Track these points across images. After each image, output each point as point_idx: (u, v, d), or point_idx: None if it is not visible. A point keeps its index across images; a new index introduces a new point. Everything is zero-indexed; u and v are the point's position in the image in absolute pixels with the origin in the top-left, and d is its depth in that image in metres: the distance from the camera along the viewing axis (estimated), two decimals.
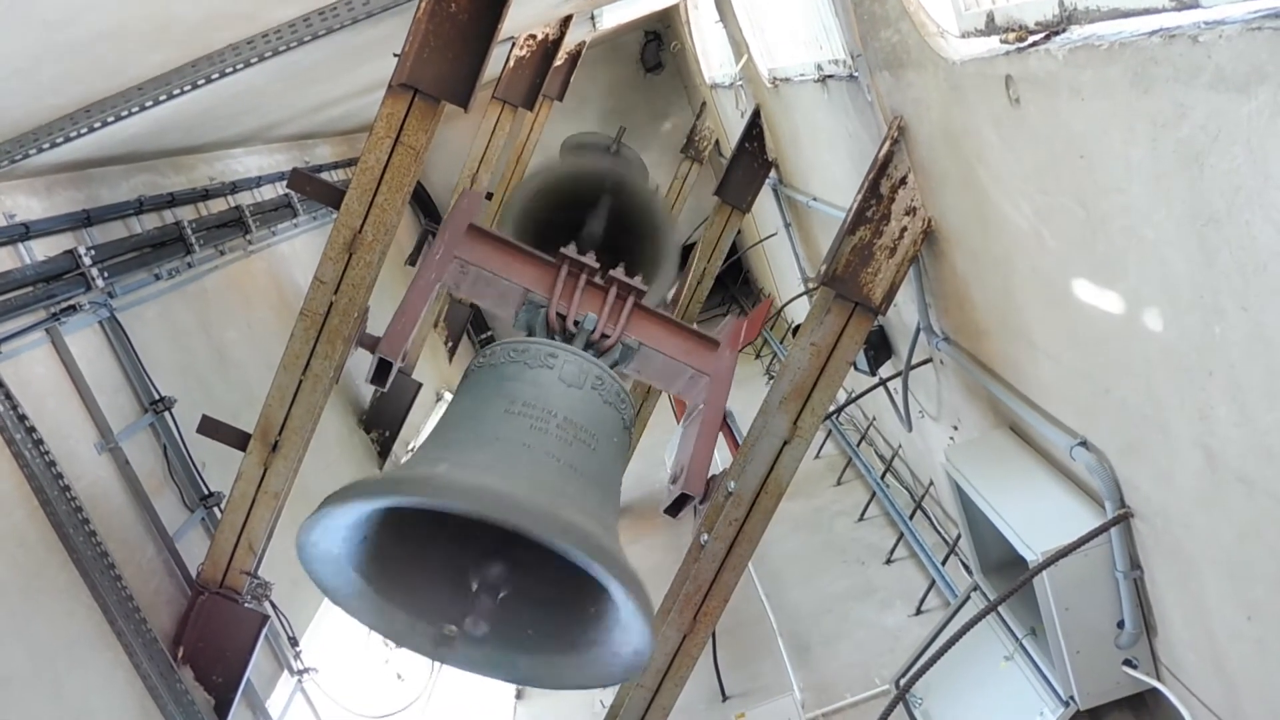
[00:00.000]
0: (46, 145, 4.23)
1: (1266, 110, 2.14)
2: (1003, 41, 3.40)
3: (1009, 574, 5.08)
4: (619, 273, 4.77)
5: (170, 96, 4.28)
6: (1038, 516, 4.38)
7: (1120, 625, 4.19)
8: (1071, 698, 4.46)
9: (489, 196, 11.24)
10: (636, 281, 4.78)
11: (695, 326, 5.04)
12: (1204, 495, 3.21)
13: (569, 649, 3.53)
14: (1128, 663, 4.27)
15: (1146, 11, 2.56)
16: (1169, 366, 3.08)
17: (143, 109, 4.28)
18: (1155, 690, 4.23)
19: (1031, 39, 3.18)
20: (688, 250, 10.52)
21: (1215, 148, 2.38)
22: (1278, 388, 2.55)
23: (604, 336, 4.65)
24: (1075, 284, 3.52)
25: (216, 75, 4.29)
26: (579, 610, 3.47)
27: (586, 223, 6.30)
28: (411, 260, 13.13)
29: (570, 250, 4.75)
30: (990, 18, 3.54)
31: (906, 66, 4.37)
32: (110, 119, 4.27)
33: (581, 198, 6.49)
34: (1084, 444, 4.01)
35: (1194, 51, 2.31)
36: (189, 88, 4.28)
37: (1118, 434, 3.75)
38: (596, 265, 4.74)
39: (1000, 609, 5.11)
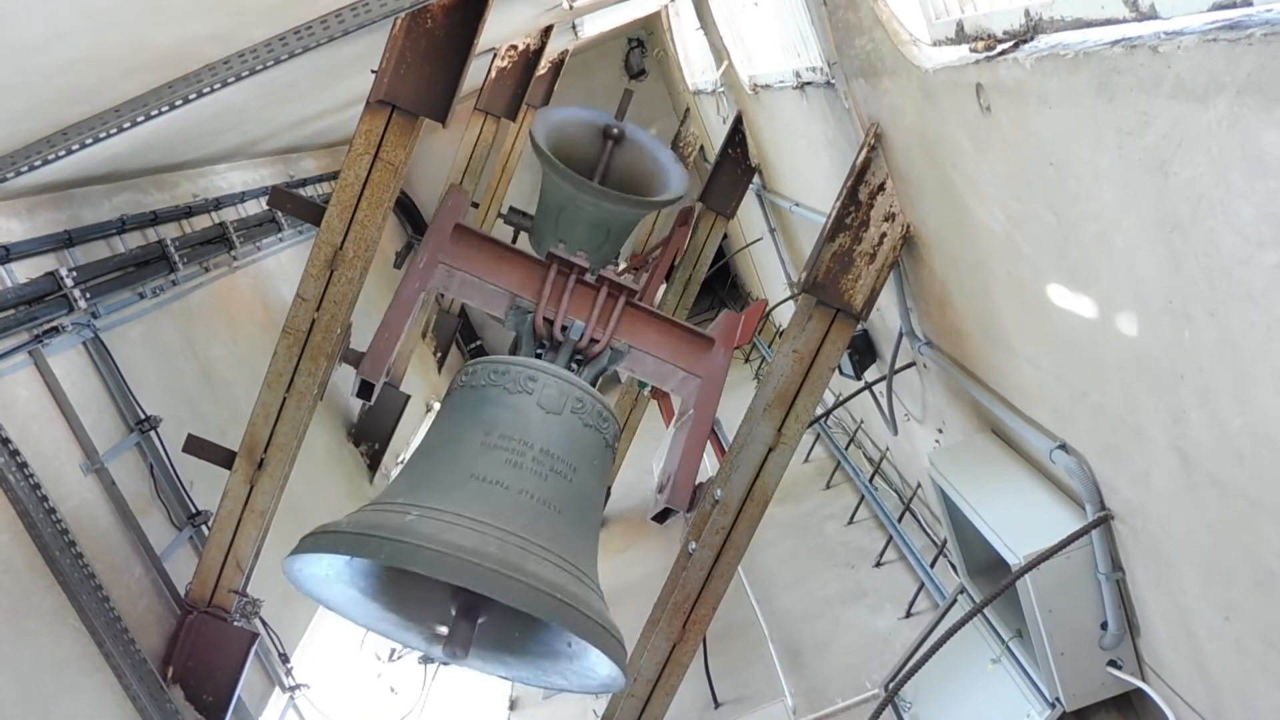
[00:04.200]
0: (25, 168, 4.23)
1: (1225, 120, 2.17)
2: (972, 50, 3.43)
3: (995, 577, 5.10)
4: (610, 272, 4.76)
5: (148, 117, 4.28)
6: (1020, 520, 4.40)
7: (1104, 627, 4.21)
8: (1057, 699, 4.48)
9: (475, 205, 11.26)
10: (627, 280, 4.78)
11: (689, 324, 5.03)
12: (1180, 497, 3.24)
13: (552, 656, 3.59)
14: (1112, 663, 4.29)
15: (1109, 21, 2.59)
16: (1142, 371, 3.10)
17: (121, 130, 4.28)
18: (1140, 690, 4.26)
19: (1000, 48, 3.21)
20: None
21: (1179, 156, 2.40)
22: (1246, 392, 2.57)
23: (593, 341, 4.65)
24: (1050, 289, 3.55)
25: (194, 95, 4.29)
26: (558, 632, 3.53)
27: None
28: (398, 264, 13.11)
29: (561, 250, 4.75)
30: (960, 26, 3.58)
31: (881, 74, 4.40)
32: (89, 141, 4.26)
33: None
34: (1063, 447, 4.04)
35: (1155, 61, 2.34)
36: (167, 108, 4.28)
37: (1096, 437, 3.78)
38: (585, 265, 4.73)
39: (986, 612, 5.14)
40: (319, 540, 3.16)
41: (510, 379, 3.82)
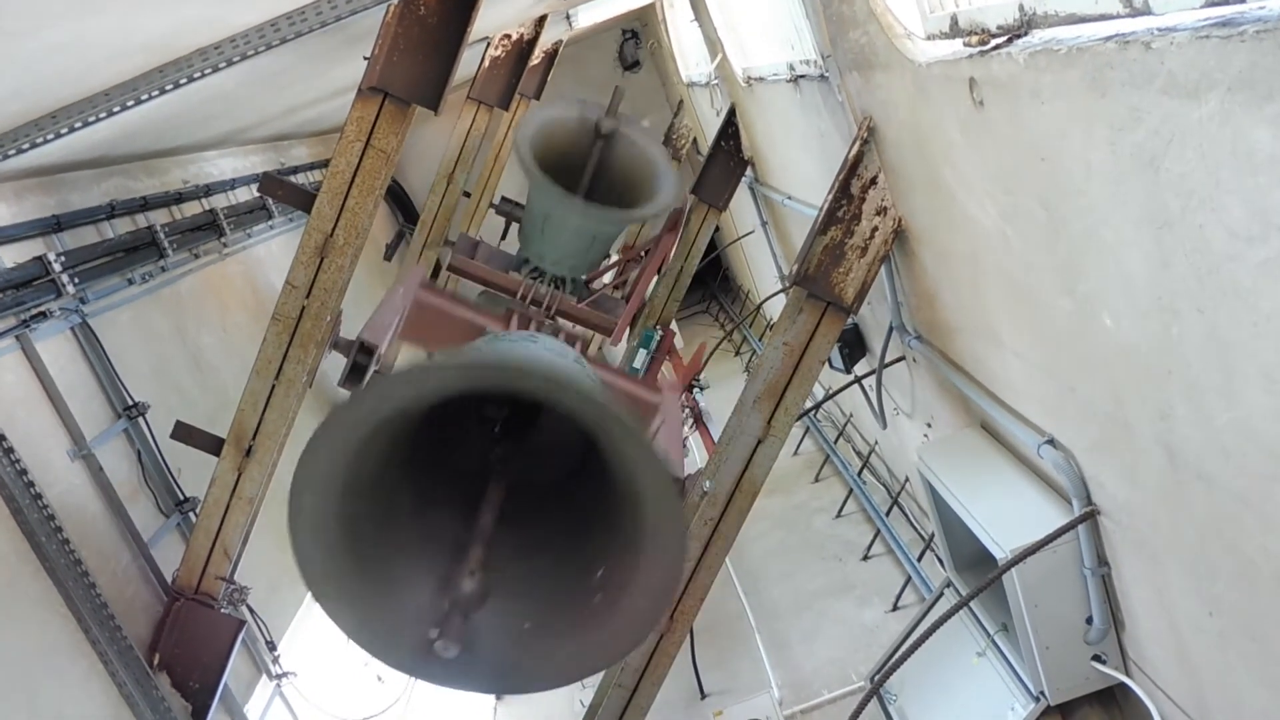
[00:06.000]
0: (12, 151, 4.20)
1: (1216, 116, 2.17)
2: (966, 44, 3.43)
3: (981, 571, 5.12)
4: (566, 325, 4.87)
5: (138, 102, 4.26)
6: (1007, 514, 4.42)
7: (1089, 621, 4.24)
8: (1042, 693, 4.50)
9: (466, 195, 11.22)
10: (581, 331, 4.88)
11: (634, 378, 5.10)
12: (1166, 493, 3.26)
13: (576, 628, 3.30)
14: (1096, 658, 4.32)
15: (1102, 17, 2.59)
16: (1130, 366, 3.12)
17: (110, 114, 4.26)
18: (1124, 684, 4.28)
19: (994, 42, 3.21)
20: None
21: (1169, 152, 2.41)
22: (1233, 388, 2.59)
23: None
24: (1039, 284, 3.56)
25: (184, 80, 4.27)
26: (586, 577, 3.24)
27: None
28: (388, 255, 13.07)
29: (517, 302, 4.82)
30: (954, 21, 3.57)
31: (875, 68, 4.40)
32: (78, 124, 4.24)
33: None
34: (1051, 442, 4.05)
35: (1147, 57, 2.34)
36: (157, 93, 4.26)
37: (1083, 432, 3.79)
38: (545, 318, 4.79)
39: (972, 606, 5.16)
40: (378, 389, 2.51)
41: (510, 339, 3.83)
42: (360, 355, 4.68)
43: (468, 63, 5.34)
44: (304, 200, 4.84)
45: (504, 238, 9.19)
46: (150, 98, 4.25)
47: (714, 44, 9.33)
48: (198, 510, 5.22)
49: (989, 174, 3.61)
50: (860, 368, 7.20)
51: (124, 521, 5.15)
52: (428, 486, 3.15)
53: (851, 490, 8.97)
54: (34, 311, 5.00)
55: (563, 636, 3.23)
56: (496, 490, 2.90)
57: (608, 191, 5.78)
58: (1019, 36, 3.07)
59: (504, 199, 10.24)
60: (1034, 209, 3.32)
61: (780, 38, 6.81)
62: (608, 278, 6.90)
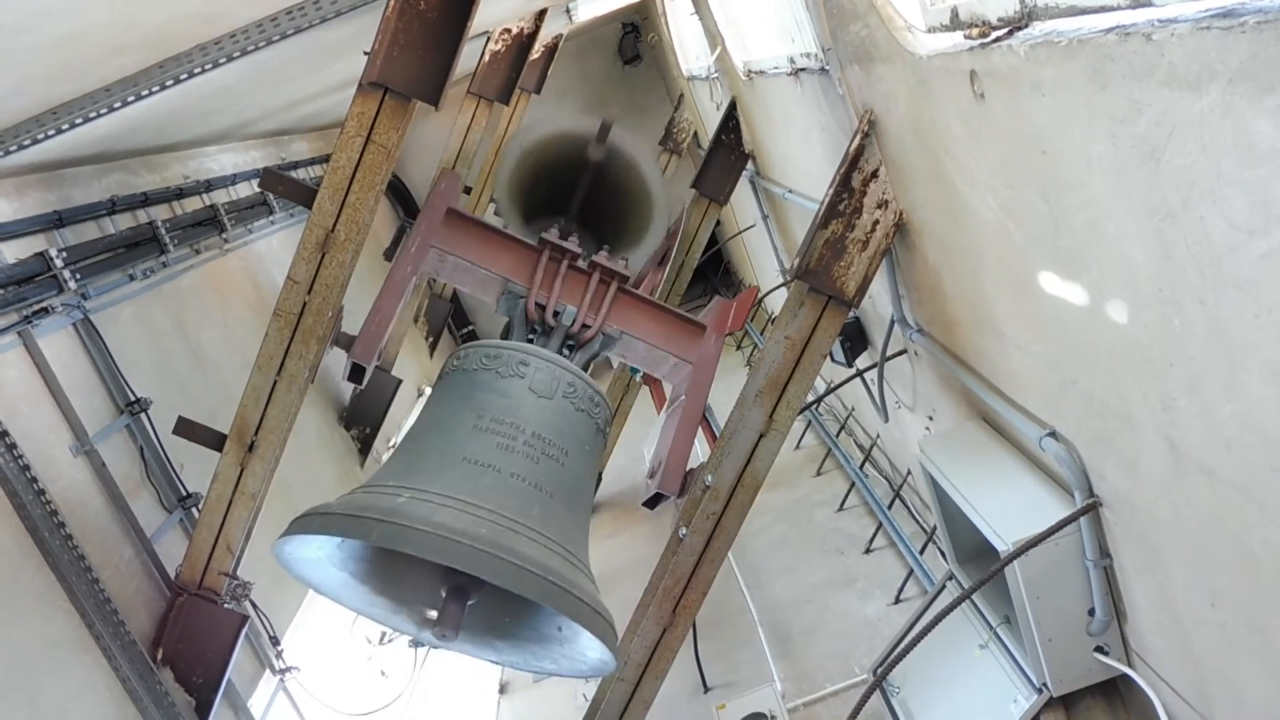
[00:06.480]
0: (14, 148, 4.21)
1: (1217, 108, 2.17)
2: (967, 37, 3.43)
3: (983, 563, 5.13)
4: (602, 257, 4.74)
5: (139, 97, 4.27)
6: (1009, 507, 4.42)
7: (1091, 613, 4.24)
8: (1044, 685, 4.51)
9: (467, 190, 11.23)
10: (620, 266, 4.76)
11: (681, 311, 5.03)
12: (1168, 485, 3.26)
13: (542, 641, 3.60)
14: (1099, 650, 4.32)
15: (1103, 9, 2.59)
16: (1132, 358, 3.12)
17: (111, 110, 4.26)
18: (1126, 676, 4.29)
19: (994, 34, 3.20)
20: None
21: (1170, 144, 2.41)
22: (1235, 380, 2.59)
23: (584, 327, 4.64)
24: (1040, 277, 3.56)
25: (185, 75, 4.28)
26: (548, 616, 3.54)
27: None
28: (389, 254, 13.09)
29: (552, 235, 4.73)
30: (955, 13, 3.57)
31: (875, 60, 4.39)
32: (78, 120, 4.24)
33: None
34: (1053, 434, 4.05)
35: (1148, 49, 2.34)
36: (157, 88, 4.26)
37: (1085, 424, 3.79)
38: (578, 250, 4.71)
39: (974, 598, 5.16)
40: (310, 522, 3.16)
41: (502, 363, 3.82)
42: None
43: (468, 57, 5.33)
44: (305, 195, 4.83)
45: None
46: (151, 93, 4.26)
47: (714, 37, 9.31)
48: (200, 506, 5.22)
49: (990, 167, 3.61)
50: (862, 361, 7.19)
51: (127, 517, 5.16)
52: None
53: (853, 484, 8.97)
54: (36, 307, 5.01)
55: (533, 642, 3.58)
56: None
57: (603, 209, 5.57)
58: (1020, 29, 3.07)
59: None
60: (1035, 202, 3.31)
61: (780, 31, 6.79)
62: None
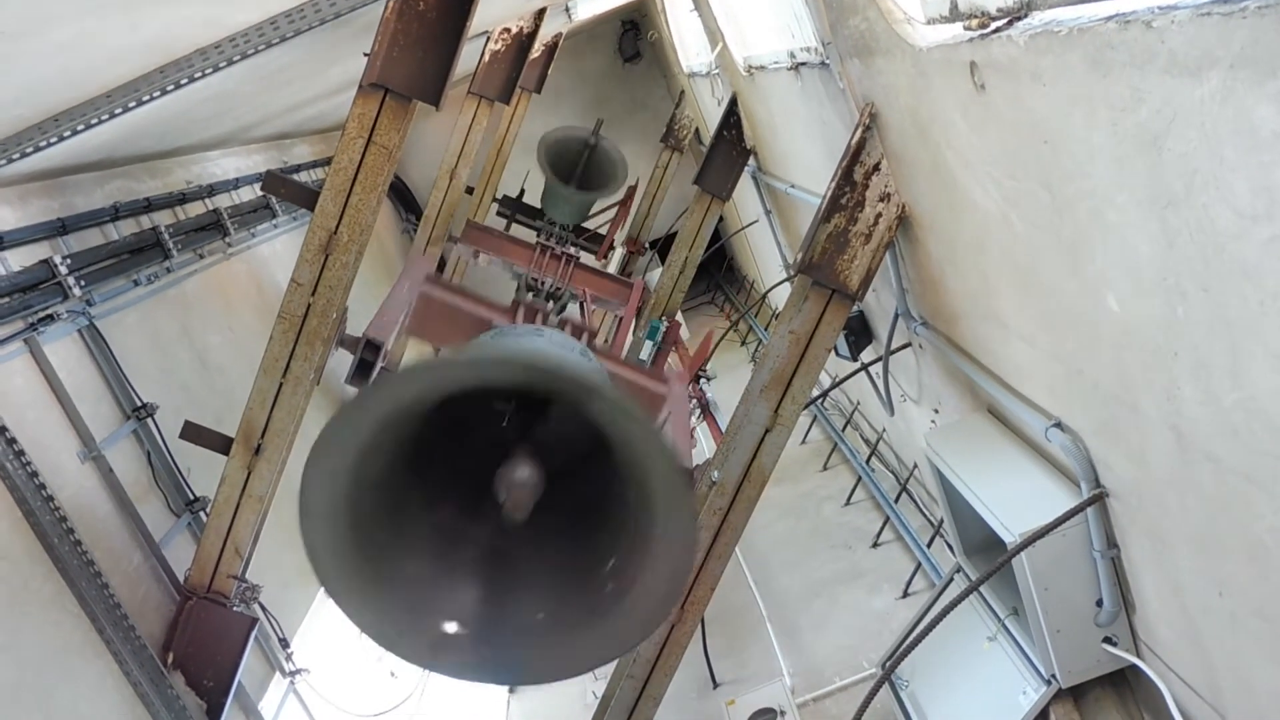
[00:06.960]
0: (16, 155, 4.22)
1: (1218, 95, 2.16)
2: (966, 28, 3.42)
3: (991, 555, 5.12)
4: (573, 316, 5.25)
5: (140, 103, 4.27)
6: (1016, 498, 4.41)
7: (1099, 604, 4.23)
8: (1053, 676, 4.50)
9: (469, 191, 11.23)
10: (588, 324, 5.07)
11: (644, 368, 5.27)
12: (1174, 474, 3.25)
13: (587, 618, 3.25)
14: (1107, 640, 4.31)
15: None
16: (1136, 348, 3.11)
17: (112, 116, 4.27)
18: (1135, 666, 4.28)
19: (994, 25, 3.20)
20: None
21: (1172, 131, 2.40)
22: (1240, 367, 2.58)
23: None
24: (1044, 267, 3.55)
25: (185, 80, 4.28)
26: (597, 568, 3.20)
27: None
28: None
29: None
30: (954, 4, 3.56)
31: (875, 53, 4.38)
32: (80, 127, 4.25)
33: None
34: (1059, 425, 4.04)
35: (1148, 36, 2.33)
36: (158, 94, 4.27)
37: (1091, 415, 3.79)
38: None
39: (982, 590, 5.16)
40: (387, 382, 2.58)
41: (516, 333, 3.82)
42: (367, 352, 4.71)
43: (468, 57, 5.34)
44: (307, 198, 4.85)
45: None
46: (152, 98, 4.26)
47: (714, 33, 9.30)
48: (208, 509, 5.24)
49: (992, 158, 3.60)
50: (866, 355, 7.19)
51: (135, 522, 5.18)
52: (435, 483, 3.17)
53: (860, 478, 8.97)
54: (41, 315, 5.02)
55: (575, 627, 3.22)
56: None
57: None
58: (1019, 19, 3.06)
59: (505, 197, 10.35)
60: (1037, 192, 3.31)
61: (780, 26, 6.78)
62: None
